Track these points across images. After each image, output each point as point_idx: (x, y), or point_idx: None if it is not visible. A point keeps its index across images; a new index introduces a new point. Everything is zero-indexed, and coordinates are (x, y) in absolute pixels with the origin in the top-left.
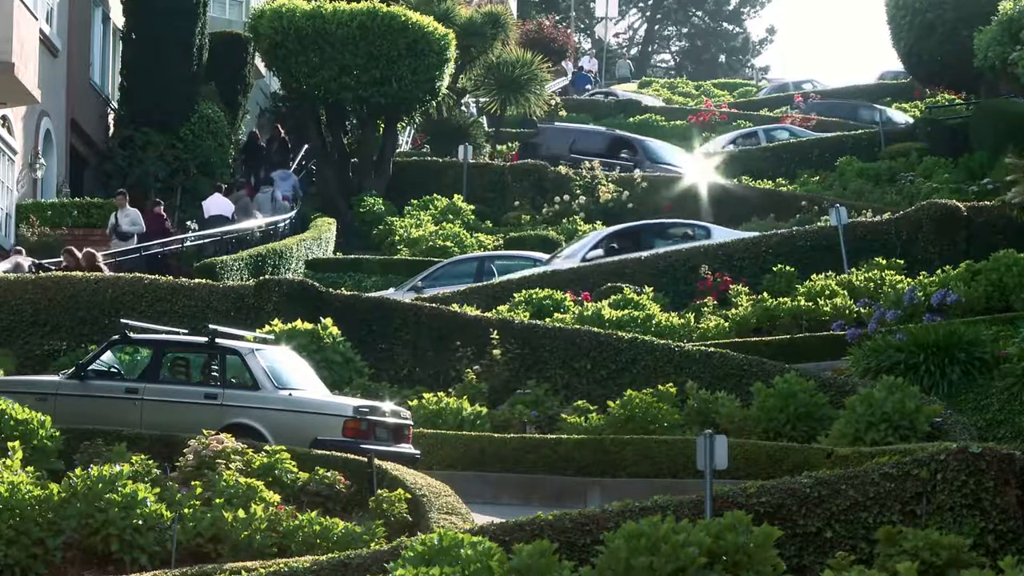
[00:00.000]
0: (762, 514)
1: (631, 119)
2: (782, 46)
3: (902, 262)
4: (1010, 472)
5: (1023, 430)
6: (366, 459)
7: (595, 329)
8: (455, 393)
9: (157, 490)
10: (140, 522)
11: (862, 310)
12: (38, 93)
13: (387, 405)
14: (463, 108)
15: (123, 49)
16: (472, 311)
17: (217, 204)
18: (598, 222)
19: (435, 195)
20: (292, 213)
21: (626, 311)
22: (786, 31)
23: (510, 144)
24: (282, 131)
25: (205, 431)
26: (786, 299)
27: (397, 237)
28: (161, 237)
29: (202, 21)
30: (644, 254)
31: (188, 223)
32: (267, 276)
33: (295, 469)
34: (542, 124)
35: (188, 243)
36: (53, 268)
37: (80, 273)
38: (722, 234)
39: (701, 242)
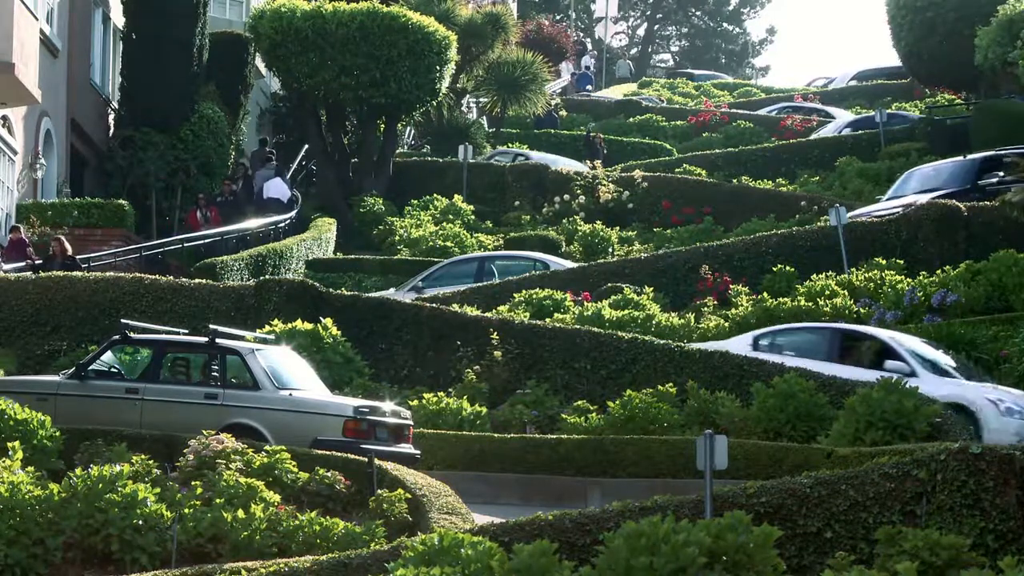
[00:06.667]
0: (762, 514)
1: (631, 119)
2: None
3: (902, 262)
4: (1010, 472)
5: None
6: (366, 459)
7: (595, 329)
8: (455, 393)
9: (157, 490)
10: (140, 522)
11: (862, 310)
12: (38, 93)
13: (387, 405)
14: (463, 108)
15: (123, 49)
16: (472, 311)
17: (277, 187)
18: (598, 222)
19: (435, 195)
20: (292, 213)
21: (626, 311)
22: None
23: (510, 144)
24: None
25: (205, 431)
26: (786, 299)
27: (397, 237)
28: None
29: (202, 21)
30: (644, 254)
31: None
32: (267, 276)
33: (295, 469)
34: None
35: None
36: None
37: (80, 273)
38: None
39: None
